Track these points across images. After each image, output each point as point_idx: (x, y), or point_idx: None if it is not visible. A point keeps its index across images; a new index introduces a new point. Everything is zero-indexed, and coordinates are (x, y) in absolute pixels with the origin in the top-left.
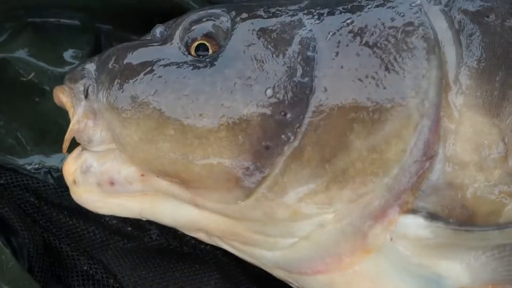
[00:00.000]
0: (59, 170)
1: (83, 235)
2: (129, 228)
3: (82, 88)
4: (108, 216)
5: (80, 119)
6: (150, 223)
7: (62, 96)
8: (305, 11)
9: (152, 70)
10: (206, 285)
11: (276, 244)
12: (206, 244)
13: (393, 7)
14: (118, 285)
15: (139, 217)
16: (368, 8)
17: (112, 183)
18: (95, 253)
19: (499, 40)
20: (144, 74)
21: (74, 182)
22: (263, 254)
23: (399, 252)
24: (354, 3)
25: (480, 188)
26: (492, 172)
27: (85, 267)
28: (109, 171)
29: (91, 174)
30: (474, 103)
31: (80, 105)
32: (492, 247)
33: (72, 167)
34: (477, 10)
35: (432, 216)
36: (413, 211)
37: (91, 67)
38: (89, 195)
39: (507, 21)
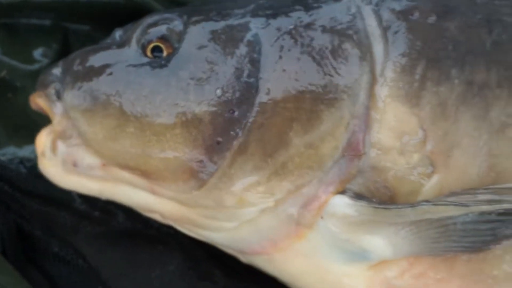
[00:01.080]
0: (31, 160)
1: (54, 221)
2: (97, 213)
3: (53, 91)
4: (77, 202)
5: (60, 120)
6: (117, 207)
7: (40, 101)
8: (252, 15)
9: (111, 72)
10: (169, 265)
11: (222, 227)
12: (169, 227)
13: (331, 13)
14: (87, 265)
15: (98, 196)
16: (309, 14)
17: (75, 165)
18: (66, 237)
19: (421, 36)
20: (104, 76)
21: (43, 154)
22: (211, 235)
23: (330, 229)
24: (296, 8)
25: (400, 170)
26: (411, 156)
27: (56, 249)
28: (74, 154)
29: (57, 152)
30: (397, 94)
31: (56, 107)
32: (409, 223)
33: (43, 140)
34: (403, 9)
35: (357, 196)
36: (341, 193)
37: (57, 71)
38: (53, 169)
39: (429, 18)
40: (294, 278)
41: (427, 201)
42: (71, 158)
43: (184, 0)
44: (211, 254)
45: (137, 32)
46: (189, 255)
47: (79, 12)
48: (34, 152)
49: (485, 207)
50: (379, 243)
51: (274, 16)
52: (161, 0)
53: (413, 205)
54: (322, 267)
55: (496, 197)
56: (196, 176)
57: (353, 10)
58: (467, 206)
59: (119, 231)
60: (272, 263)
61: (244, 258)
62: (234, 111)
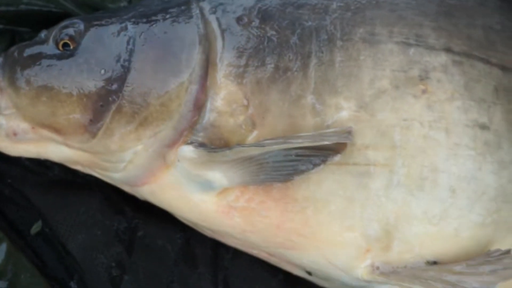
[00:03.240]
0: None
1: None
2: (38, 167)
3: None
4: (23, 159)
5: (1, 97)
6: (52, 163)
7: None
8: (129, 20)
9: (36, 60)
10: (92, 203)
11: (117, 168)
12: (91, 176)
13: (183, 19)
14: (31, 205)
15: (37, 157)
16: (167, 20)
17: (15, 134)
18: (15, 185)
19: (247, 35)
20: (31, 62)
21: None
22: (113, 175)
23: (184, 168)
24: (160, 16)
25: (231, 127)
26: (238, 117)
27: (8, 193)
28: (13, 126)
29: (1, 128)
30: (229, 75)
31: None
32: (236, 161)
33: None
34: (236, 16)
35: (200, 145)
36: (189, 142)
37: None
38: (2, 143)
39: (253, 23)
40: (170, 206)
41: (239, 145)
42: (11, 129)
43: (101, 8)
44: (123, 195)
45: (53, 33)
46: (106, 196)
47: (22, 19)
48: None
49: (276, 146)
50: (218, 176)
51: (144, 20)
52: (83, 8)
53: (230, 148)
54: (186, 196)
55: (287, 141)
56: (89, 130)
57: (200, 17)
58: (263, 146)
59: (55, 180)
60: (154, 195)
61: (138, 195)
62: (112, 84)
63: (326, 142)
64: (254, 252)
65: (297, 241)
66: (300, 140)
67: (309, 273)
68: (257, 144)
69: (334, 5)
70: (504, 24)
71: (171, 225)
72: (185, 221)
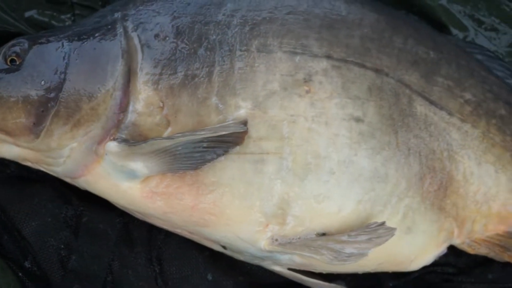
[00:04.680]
0: None
1: None
2: None
3: None
4: None
5: None
6: (9, 161)
7: None
8: (66, 37)
9: None
10: (44, 195)
11: (58, 162)
12: (43, 172)
13: (109, 36)
14: None
15: None
16: (96, 37)
17: None
18: None
19: (161, 49)
20: None
21: None
22: (55, 170)
23: (111, 160)
24: (91, 33)
25: (149, 125)
26: (155, 117)
27: None
28: None
29: None
30: (148, 82)
31: None
32: (152, 152)
33: None
34: (153, 34)
35: (123, 140)
36: (115, 139)
37: None
38: None
39: (167, 38)
40: (104, 194)
41: (152, 138)
42: None
43: (49, 27)
44: (70, 187)
45: (3, 50)
46: (56, 188)
47: None
48: None
49: (183, 138)
50: (139, 166)
51: (77, 38)
52: (35, 28)
53: (145, 141)
54: (115, 184)
55: (192, 133)
56: (33, 132)
57: (123, 34)
58: (173, 138)
59: (12, 176)
60: (90, 185)
61: (78, 185)
62: (51, 93)
63: (223, 132)
64: (178, 231)
65: (209, 220)
66: (203, 132)
67: (224, 247)
68: (167, 137)
69: (235, 21)
70: (380, 34)
71: (111, 211)
72: (119, 207)
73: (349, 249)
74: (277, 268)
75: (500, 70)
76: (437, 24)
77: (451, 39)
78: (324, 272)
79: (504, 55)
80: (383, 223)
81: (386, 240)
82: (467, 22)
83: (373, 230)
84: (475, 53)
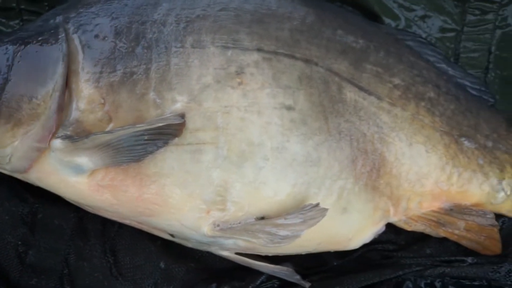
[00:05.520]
0: None
1: None
2: None
3: None
4: None
5: None
6: None
7: None
8: (11, 41)
9: None
10: (1, 193)
11: (4, 160)
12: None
13: (50, 38)
14: None
15: None
16: (37, 40)
17: None
18: None
19: (100, 48)
20: None
21: None
22: (4, 167)
23: (57, 156)
24: (32, 37)
25: (91, 120)
26: (97, 113)
27: None
28: None
29: None
30: (89, 80)
31: None
32: (95, 146)
33: None
34: (93, 34)
35: (67, 137)
36: (58, 136)
37: None
38: None
39: (106, 37)
40: (55, 189)
41: (93, 133)
42: None
43: None
44: (25, 186)
45: None
46: (12, 187)
47: None
48: None
49: (122, 131)
50: (85, 160)
51: (21, 42)
52: None
53: (87, 137)
54: (64, 179)
55: (131, 126)
56: None
57: (65, 37)
58: (112, 132)
59: None
60: (40, 181)
61: (32, 182)
62: None
63: (160, 124)
64: (127, 222)
65: (154, 209)
66: (142, 125)
67: (172, 236)
68: (107, 132)
69: (170, 20)
70: (309, 26)
71: (65, 207)
72: (71, 201)
73: (283, 232)
74: (224, 253)
75: (431, 55)
76: (370, 14)
77: (382, 27)
78: (270, 255)
79: (435, 40)
80: (317, 205)
81: (319, 220)
82: (398, 11)
83: (307, 211)
84: (407, 40)
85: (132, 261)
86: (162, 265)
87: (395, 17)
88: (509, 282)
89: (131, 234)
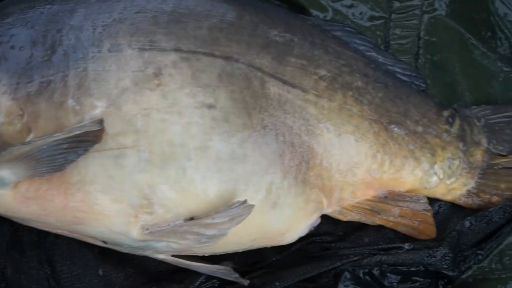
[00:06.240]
0: None
1: None
2: None
3: None
4: None
5: None
6: None
7: None
8: None
9: None
10: None
11: None
12: None
13: None
14: None
15: None
16: None
17: None
18: None
19: (17, 58)
20: None
21: None
22: None
23: None
24: None
25: (11, 132)
26: (17, 125)
27: None
28: None
29: None
30: (5, 92)
31: None
32: (15, 158)
33: None
34: (9, 45)
35: None
36: None
37: None
38: None
39: (22, 48)
40: None
41: (11, 146)
42: None
43: None
44: None
45: None
46: None
47: None
48: None
49: (40, 141)
50: (6, 173)
51: None
52: None
53: (4, 149)
54: None
55: (49, 136)
56: None
57: None
58: (29, 143)
59: None
60: None
61: None
62: None
63: (78, 132)
64: (59, 231)
65: (82, 217)
66: (59, 134)
67: (105, 242)
68: (25, 143)
69: (86, 25)
70: (229, 23)
71: None
72: (2, 215)
73: (210, 231)
74: (160, 256)
75: (361, 44)
76: (297, 7)
77: (308, 19)
78: (206, 255)
79: (364, 29)
80: (244, 201)
81: (245, 217)
82: (325, 2)
83: (234, 209)
84: (335, 30)
85: (70, 271)
86: (100, 272)
87: (323, 9)
88: (445, 266)
89: (68, 243)
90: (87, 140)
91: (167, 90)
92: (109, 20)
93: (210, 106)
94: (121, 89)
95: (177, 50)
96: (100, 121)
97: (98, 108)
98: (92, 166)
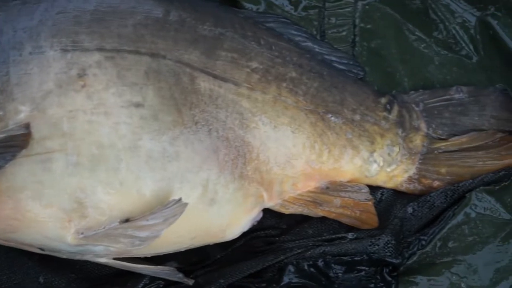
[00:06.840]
0: None
1: None
2: None
3: None
4: None
5: None
6: None
7: None
8: None
9: None
10: None
11: None
12: None
13: None
14: None
15: None
16: None
17: None
18: None
19: None
20: None
21: None
22: None
23: None
24: None
25: None
26: None
27: None
28: None
29: None
30: None
31: None
32: None
33: None
34: None
35: None
36: None
37: None
38: None
39: None
40: None
41: None
42: None
43: None
44: None
45: None
46: None
47: None
48: None
49: None
50: None
51: None
52: None
53: None
54: None
55: None
56: None
57: None
58: None
59: None
60: None
61: None
62: None
63: (3, 136)
64: None
65: (15, 224)
66: None
67: (42, 249)
68: None
69: (6, 29)
70: (154, 20)
71: None
72: None
73: (144, 233)
74: (101, 260)
75: (296, 35)
76: (230, 1)
77: (240, 12)
78: (149, 256)
79: (299, 19)
80: (179, 200)
81: (179, 217)
82: None
83: (168, 209)
84: (268, 22)
85: (10, 280)
86: (41, 279)
87: (255, 1)
88: (388, 253)
89: (6, 252)
90: (14, 145)
91: (92, 90)
92: (30, 23)
93: (138, 105)
94: (45, 92)
95: (100, 49)
96: (26, 125)
97: (22, 112)
98: (20, 172)
